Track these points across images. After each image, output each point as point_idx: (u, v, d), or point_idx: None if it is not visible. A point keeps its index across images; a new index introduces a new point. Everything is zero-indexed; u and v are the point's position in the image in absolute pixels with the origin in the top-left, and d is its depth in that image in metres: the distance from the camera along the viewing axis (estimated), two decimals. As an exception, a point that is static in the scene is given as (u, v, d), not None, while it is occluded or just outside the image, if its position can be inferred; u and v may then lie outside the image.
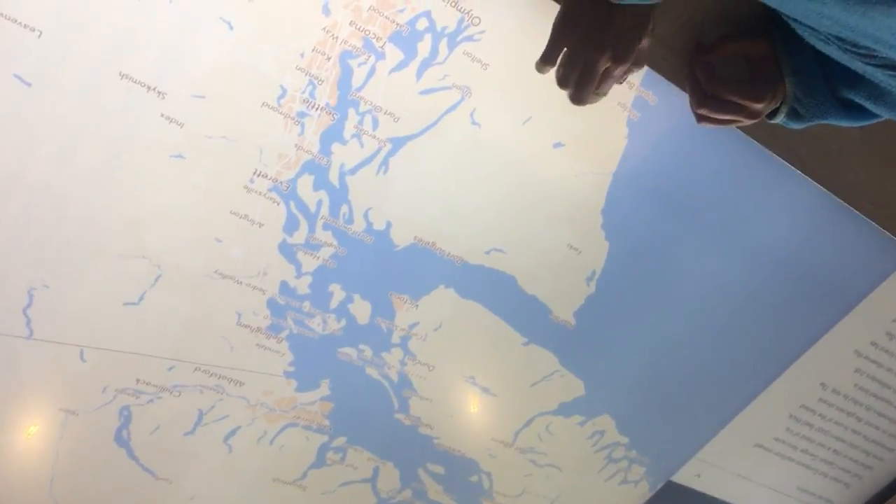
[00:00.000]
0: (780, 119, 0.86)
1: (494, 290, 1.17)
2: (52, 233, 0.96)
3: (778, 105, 0.85)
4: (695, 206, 1.16)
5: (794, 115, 0.85)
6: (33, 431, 1.11)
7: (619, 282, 1.21)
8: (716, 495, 1.60)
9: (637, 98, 1.05)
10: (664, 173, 1.12)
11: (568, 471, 1.44)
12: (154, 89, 0.90)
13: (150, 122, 0.92)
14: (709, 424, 1.48)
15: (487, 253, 1.13)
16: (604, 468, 1.46)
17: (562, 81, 0.76)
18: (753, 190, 1.16)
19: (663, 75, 0.95)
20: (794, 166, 1.09)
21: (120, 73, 0.88)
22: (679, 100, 0.98)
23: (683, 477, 1.52)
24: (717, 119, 0.86)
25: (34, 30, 0.84)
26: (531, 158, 1.05)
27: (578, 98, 0.75)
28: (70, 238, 0.97)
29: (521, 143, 1.04)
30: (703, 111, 0.86)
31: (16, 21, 0.83)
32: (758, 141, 1.04)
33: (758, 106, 0.83)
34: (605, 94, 0.77)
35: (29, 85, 0.86)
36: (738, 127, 0.94)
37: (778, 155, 1.07)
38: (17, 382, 1.06)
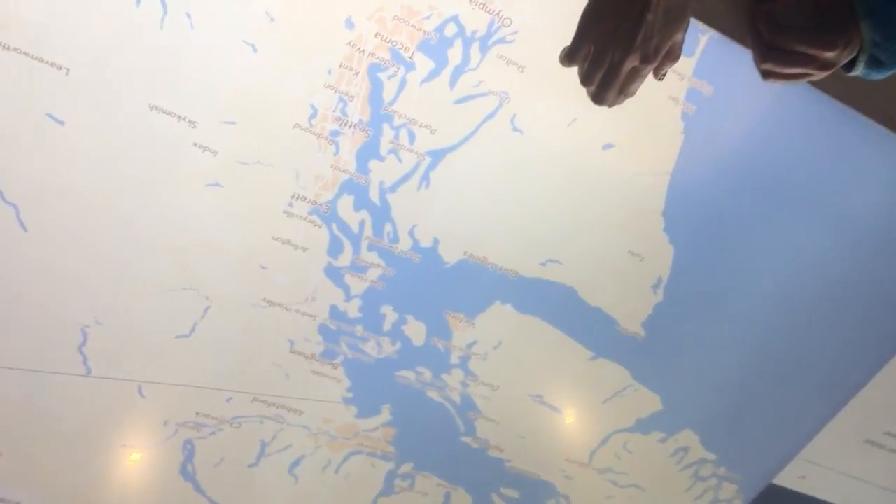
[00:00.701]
0: (859, 70, 0.74)
1: (554, 303, 1.09)
2: (99, 270, 0.94)
3: (855, 54, 0.73)
4: (773, 189, 1.05)
5: (874, 63, 0.73)
6: (99, 469, 1.09)
7: (688, 287, 1.11)
8: (825, 498, 1.44)
9: (691, 90, 0.96)
10: (731, 162, 1.02)
11: (652, 491, 1.33)
12: (185, 119, 0.87)
13: (183, 152, 0.89)
14: (809, 422, 1.34)
15: (543, 265, 1.05)
16: (691, 487, 1.35)
17: (585, 79, 0.68)
18: (840, 159, 1.05)
19: (723, 32, 0.85)
20: (885, 126, 0.96)
21: (150, 104, 0.86)
22: (740, 84, 0.89)
23: (787, 479, 1.38)
24: (784, 74, 0.75)
25: (61, 68, 0.82)
26: (580, 162, 0.98)
27: (599, 98, 0.67)
28: (116, 274, 0.95)
29: (567, 147, 0.96)
30: (767, 66, 0.75)
31: (42, 60, 0.81)
32: (838, 99, 0.92)
33: (829, 55, 0.71)
34: (632, 94, 0.68)
35: (62, 123, 0.85)
36: (812, 84, 0.82)
37: (864, 115, 0.95)
38: (80, 421, 1.04)
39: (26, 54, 0.81)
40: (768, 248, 1.10)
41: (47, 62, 0.82)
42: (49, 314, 0.96)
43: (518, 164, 0.97)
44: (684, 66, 0.95)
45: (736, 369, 1.22)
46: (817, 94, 0.93)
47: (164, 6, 0.81)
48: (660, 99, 0.96)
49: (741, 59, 0.91)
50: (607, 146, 0.98)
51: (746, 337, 1.18)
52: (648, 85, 0.90)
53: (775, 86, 0.93)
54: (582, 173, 0.99)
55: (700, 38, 0.94)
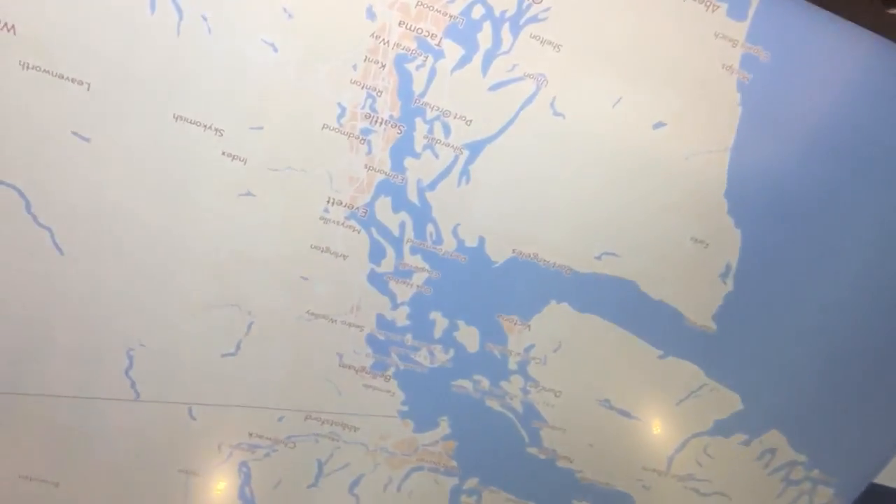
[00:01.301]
0: None
1: (614, 299, 1.00)
2: (138, 290, 0.90)
3: None
4: (850, 159, 0.95)
5: None
6: (157, 495, 1.04)
7: (761, 274, 1.00)
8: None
9: (745, 56, 0.87)
10: (798, 132, 0.92)
11: (740, 498, 1.22)
12: (210, 127, 0.82)
13: (212, 162, 0.84)
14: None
15: (598, 258, 0.96)
16: (782, 493, 1.22)
17: None
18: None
19: None
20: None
21: (174, 115, 0.82)
22: (800, 45, 0.79)
23: (891, 477, 1.24)
24: None
25: (82, 83, 0.79)
26: (629, 144, 0.89)
27: None
28: (157, 294, 0.91)
29: (615, 129, 0.88)
30: None
31: (63, 77, 0.78)
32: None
33: None
34: None
35: (87, 140, 0.81)
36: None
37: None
38: (134, 446, 1.00)
39: (46, 72, 0.78)
40: (851, 225, 0.99)
41: (68, 78, 0.79)
42: (93, 339, 0.92)
43: (563, 152, 0.89)
44: (736, 30, 0.86)
45: (823, 360, 1.10)
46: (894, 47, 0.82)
47: (179, 10, 0.77)
48: (711, 69, 0.87)
49: (799, 17, 0.81)
50: (658, 125, 0.89)
51: (833, 324, 1.06)
52: (698, 54, 0.81)
53: (841, 45, 0.82)
54: (633, 156, 0.90)
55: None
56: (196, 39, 0.79)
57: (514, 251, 0.97)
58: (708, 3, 0.84)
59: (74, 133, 0.82)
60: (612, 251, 0.98)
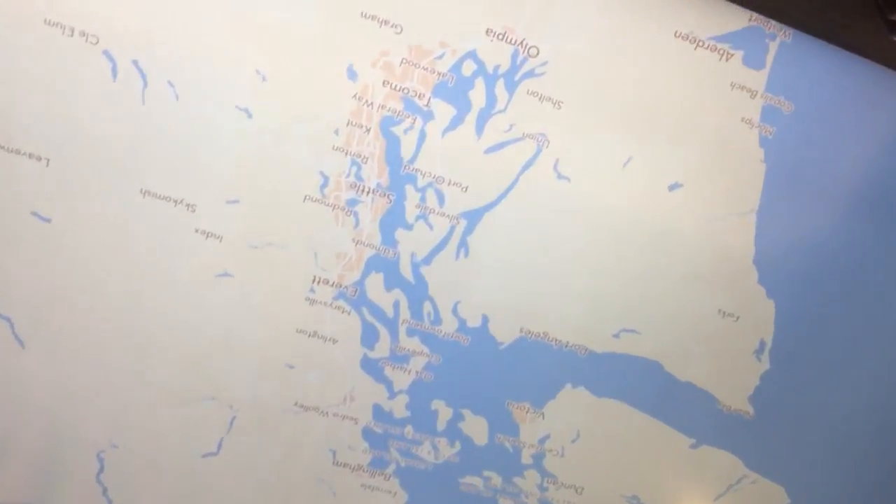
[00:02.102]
0: None
1: (636, 381, 0.87)
2: (109, 385, 0.79)
3: None
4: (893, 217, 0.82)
5: None
6: None
7: (799, 349, 0.87)
8: None
9: (766, 108, 0.77)
10: (831, 190, 0.81)
11: None
12: (181, 202, 0.73)
13: (185, 240, 0.75)
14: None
15: (616, 336, 0.84)
16: None
17: None
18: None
19: (798, 27, 0.67)
20: None
21: (141, 190, 0.72)
22: (828, 93, 0.69)
23: None
24: None
25: (40, 158, 0.70)
26: (643, 208, 0.78)
27: None
28: (129, 388, 0.80)
29: (625, 192, 0.77)
30: None
31: (20, 152, 0.69)
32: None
33: None
34: None
35: (48, 220, 0.72)
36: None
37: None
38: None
39: (1, 147, 0.68)
40: (895, 285, 0.85)
41: (24, 153, 0.70)
42: (59, 440, 0.81)
43: (569, 218, 0.78)
44: (754, 80, 0.76)
45: (880, 442, 0.94)
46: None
47: (144, 76, 0.69)
48: (730, 123, 0.76)
49: (822, 61, 0.71)
50: (674, 186, 0.78)
51: (887, 398, 0.91)
52: (713, 107, 0.70)
53: (869, 89, 0.72)
54: (647, 221, 0.79)
55: (769, 45, 0.75)
56: (163, 107, 0.70)
57: (521, 330, 0.84)
58: (721, 51, 0.74)
59: (33, 213, 0.73)
60: (630, 328, 0.86)
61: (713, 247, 0.83)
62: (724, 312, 0.87)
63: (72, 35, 0.67)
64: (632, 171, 0.79)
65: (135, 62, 0.69)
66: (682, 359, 0.89)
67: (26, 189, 0.73)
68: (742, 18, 0.75)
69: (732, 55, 0.76)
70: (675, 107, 0.77)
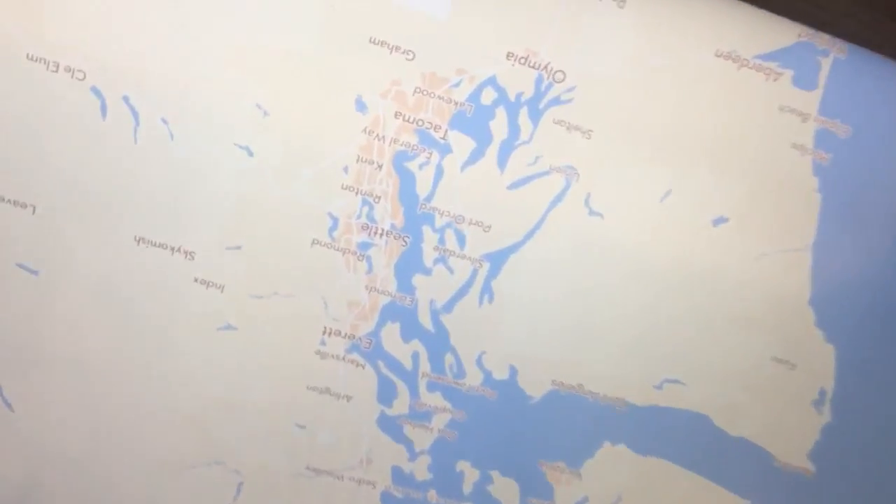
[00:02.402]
0: None
1: (683, 437, 0.77)
2: (106, 452, 0.72)
3: None
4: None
5: None
6: None
7: (864, 396, 0.77)
8: None
9: (820, 132, 0.68)
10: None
11: None
12: (179, 250, 0.65)
13: (184, 291, 0.67)
14: None
15: (658, 388, 0.74)
16: None
17: None
18: None
19: (856, 41, 0.58)
20: None
21: (135, 237, 0.65)
22: (887, 109, 0.61)
23: None
24: None
25: (25, 206, 0.63)
26: (684, 247, 0.69)
27: None
28: (128, 454, 0.72)
29: (665, 228, 0.68)
30: None
31: (3, 199, 0.63)
32: None
33: None
34: None
35: (35, 273, 0.65)
36: None
37: None
38: None
39: None
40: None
41: (9, 201, 0.63)
42: (51, 510, 0.72)
43: (603, 258, 0.69)
44: (805, 101, 0.67)
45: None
46: None
47: (135, 114, 0.62)
48: (779, 149, 0.68)
49: (882, 78, 0.62)
50: (719, 221, 0.69)
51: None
52: (761, 133, 0.62)
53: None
54: (690, 261, 0.70)
55: (821, 62, 0.66)
56: (157, 146, 0.63)
57: (553, 383, 0.75)
58: (768, 71, 0.66)
59: (19, 265, 0.66)
60: (674, 378, 0.76)
61: (764, 287, 0.74)
62: (778, 359, 0.77)
63: (56, 71, 0.61)
64: (671, 205, 0.70)
65: (125, 98, 0.62)
66: (733, 411, 0.78)
67: (11, 239, 0.66)
68: (790, 34, 0.66)
69: (781, 75, 0.68)
70: (718, 133, 0.68)
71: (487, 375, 0.76)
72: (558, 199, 0.70)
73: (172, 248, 0.69)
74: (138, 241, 0.68)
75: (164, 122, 0.64)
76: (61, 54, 0.62)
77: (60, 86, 0.62)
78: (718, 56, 0.67)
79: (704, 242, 0.72)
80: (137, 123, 0.64)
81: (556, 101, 0.67)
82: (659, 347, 0.76)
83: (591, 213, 0.70)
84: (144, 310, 0.70)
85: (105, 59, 0.62)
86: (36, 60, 0.61)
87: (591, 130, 0.67)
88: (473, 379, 0.76)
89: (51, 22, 0.60)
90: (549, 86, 0.66)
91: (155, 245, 0.68)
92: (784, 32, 0.67)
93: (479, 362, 0.75)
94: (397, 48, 0.63)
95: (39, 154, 0.64)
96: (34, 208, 0.66)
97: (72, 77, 0.62)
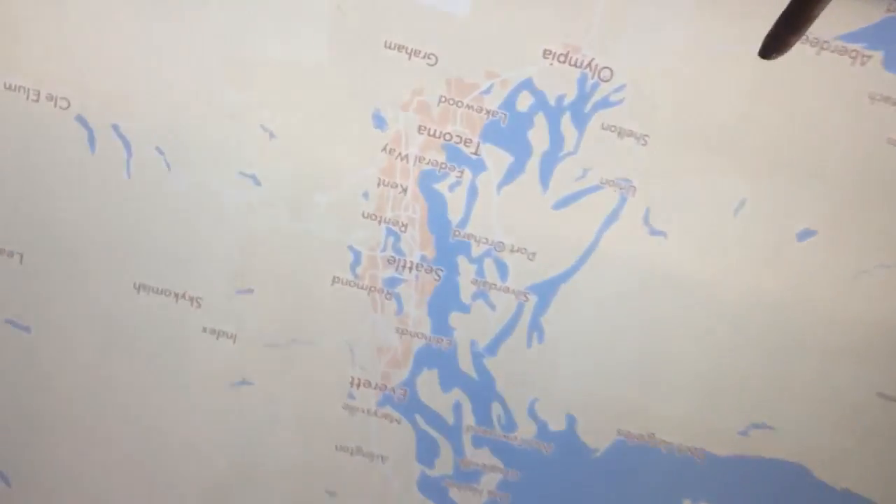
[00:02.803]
0: None
1: (776, 491, 0.64)
2: None
3: None
4: None
5: None
6: None
7: None
8: None
9: (918, 123, 0.55)
10: None
11: None
12: (183, 296, 0.56)
13: (192, 343, 0.57)
14: None
15: (744, 434, 0.62)
16: None
17: None
18: None
19: None
20: None
21: (134, 284, 0.56)
22: None
23: None
24: None
25: (12, 254, 0.54)
26: (766, 265, 0.57)
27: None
28: None
29: (740, 245, 0.56)
30: None
31: None
32: None
33: None
34: None
35: (27, 329, 0.55)
36: None
37: None
38: None
39: None
40: None
41: None
42: None
43: (670, 284, 0.57)
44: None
45: None
46: None
47: (127, 144, 0.53)
48: (872, 145, 0.55)
49: None
50: (805, 234, 0.57)
51: None
52: (848, 126, 0.50)
53: None
54: (774, 282, 0.57)
55: None
56: (152, 179, 0.54)
57: (619, 432, 0.63)
58: (854, 54, 0.54)
59: (8, 321, 0.57)
60: (762, 422, 0.63)
61: (862, 310, 0.61)
62: (885, 396, 0.63)
63: (38, 100, 0.52)
64: (747, 218, 0.57)
65: (115, 127, 0.53)
66: (835, 459, 0.65)
67: None
68: (878, 8, 0.54)
69: (869, 57, 0.55)
70: (798, 131, 0.56)
71: (542, 427, 0.64)
72: (613, 217, 0.58)
73: (177, 295, 0.59)
74: (138, 289, 0.59)
75: (159, 151, 0.55)
76: (42, 82, 0.53)
77: (43, 116, 0.54)
78: (793, 39, 0.55)
79: (789, 260, 0.60)
80: (129, 154, 0.55)
81: (604, 102, 0.55)
82: (741, 387, 0.63)
83: (653, 231, 0.58)
84: (149, 367, 0.60)
85: (89, 83, 0.53)
86: (15, 90, 0.53)
87: (646, 135, 0.56)
88: (526, 431, 0.64)
89: (27, 46, 0.52)
90: (595, 85, 0.55)
91: (157, 292, 0.59)
92: (869, 7, 0.55)
93: (531, 412, 0.63)
94: (417, 52, 0.53)
95: (23, 194, 0.56)
96: (21, 256, 0.57)
97: (55, 106, 0.54)
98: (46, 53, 0.52)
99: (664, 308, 0.61)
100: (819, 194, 0.59)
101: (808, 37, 0.55)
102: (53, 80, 0.53)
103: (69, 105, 0.54)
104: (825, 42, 0.55)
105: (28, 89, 0.53)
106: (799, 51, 0.55)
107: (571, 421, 0.64)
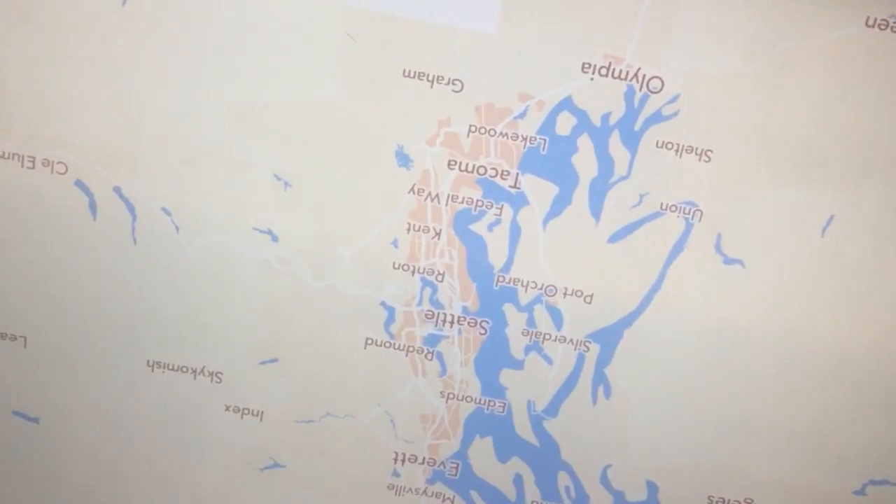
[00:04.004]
0: None
1: None
2: None
3: None
4: None
5: None
6: None
7: None
8: None
9: None
10: None
11: None
12: (202, 371, 0.48)
13: (214, 423, 0.50)
14: None
15: (860, 493, 0.54)
16: None
17: None
18: None
19: None
20: None
21: (147, 361, 0.49)
22: None
23: None
24: None
25: (15, 338, 0.48)
26: (866, 297, 0.46)
27: None
28: None
29: (833, 269, 0.46)
30: None
31: None
32: None
33: None
34: None
35: (36, 421, 0.48)
36: None
37: None
38: None
39: None
40: None
41: None
42: None
43: (754, 321, 0.47)
44: None
45: None
46: None
47: (131, 208, 0.46)
48: None
49: None
50: None
51: None
52: None
53: None
54: (877, 313, 0.46)
55: None
56: (160, 244, 0.47)
57: (710, 500, 0.51)
58: None
59: (16, 413, 0.49)
60: (882, 478, 0.50)
61: None
62: None
63: (33, 166, 0.45)
64: (836, 236, 0.47)
65: (117, 190, 0.47)
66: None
67: (4, 381, 0.49)
68: None
69: None
70: (885, 132, 0.45)
71: (619, 497, 0.53)
72: (679, 247, 0.48)
73: (194, 371, 0.51)
74: (152, 367, 0.51)
75: (166, 212, 0.48)
76: (37, 147, 0.47)
77: (39, 183, 0.47)
78: (871, 26, 0.46)
79: (892, 289, 0.48)
80: (134, 218, 0.48)
81: (657, 117, 0.46)
82: (851, 439, 0.51)
83: (727, 260, 0.48)
84: (168, 455, 0.52)
85: (86, 144, 0.46)
86: (7, 158, 0.46)
87: (709, 150, 0.46)
88: (600, 502, 0.52)
89: (17, 111, 0.45)
90: (644, 98, 0.46)
91: (173, 369, 0.51)
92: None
93: (604, 480, 0.52)
94: (440, 78, 0.45)
95: (23, 271, 0.48)
96: (25, 340, 0.50)
97: (51, 172, 0.47)
98: (38, 115, 0.46)
99: (748, 351, 0.50)
100: (921, 202, 0.48)
101: (888, 21, 0.45)
102: (47, 143, 0.46)
103: (66, 170, 0.47)
104: (912, 26, 0.45)
105: (21, 156, 0.47)
106: (880, 40, 0.45)
107: (653, 489, 0.53)
